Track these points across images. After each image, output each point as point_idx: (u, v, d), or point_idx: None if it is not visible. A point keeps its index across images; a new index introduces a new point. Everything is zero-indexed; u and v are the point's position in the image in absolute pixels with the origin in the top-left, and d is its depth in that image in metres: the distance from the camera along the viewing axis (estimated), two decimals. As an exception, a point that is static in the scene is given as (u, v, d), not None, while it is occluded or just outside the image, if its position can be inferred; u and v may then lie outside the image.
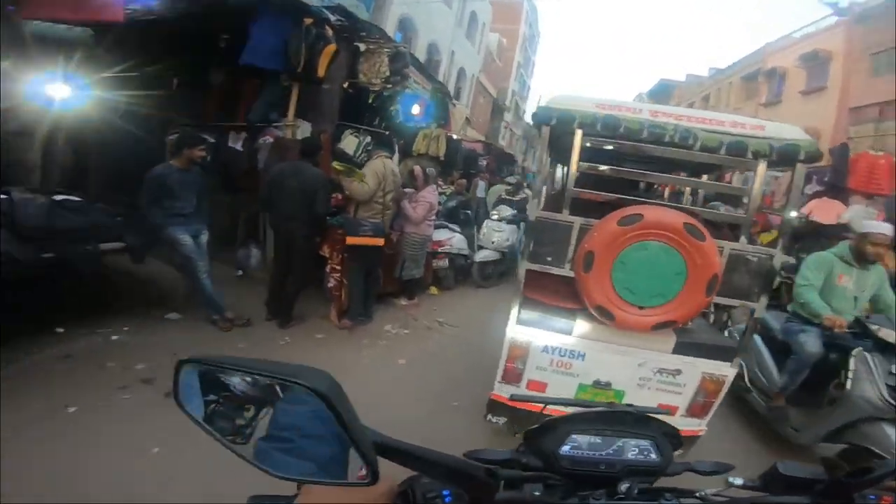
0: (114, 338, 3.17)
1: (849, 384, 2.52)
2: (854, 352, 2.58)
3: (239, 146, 4.61)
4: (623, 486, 0.72)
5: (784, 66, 16.29)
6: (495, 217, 6.28)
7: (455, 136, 8.84)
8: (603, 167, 2.42)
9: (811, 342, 2.73)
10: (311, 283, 4.10)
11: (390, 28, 11.34)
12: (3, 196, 2.85)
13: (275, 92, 4.35)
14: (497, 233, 6.04)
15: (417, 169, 4.54)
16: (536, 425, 0.82)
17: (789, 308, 3.15)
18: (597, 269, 2.04)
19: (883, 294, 2.89)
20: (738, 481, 0.75)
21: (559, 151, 3.03)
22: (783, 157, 2.01)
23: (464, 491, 0.61)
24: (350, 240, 3.70)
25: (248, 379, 0.53)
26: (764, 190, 10.09)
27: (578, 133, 2.14)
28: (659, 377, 2.24)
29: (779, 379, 2.93)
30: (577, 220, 2.19)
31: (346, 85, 5.29)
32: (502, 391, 2.36)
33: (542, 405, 1.10)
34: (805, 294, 2.84)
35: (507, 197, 7.05)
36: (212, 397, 0.54)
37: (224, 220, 5.37)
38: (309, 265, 3.89)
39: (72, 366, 2.79)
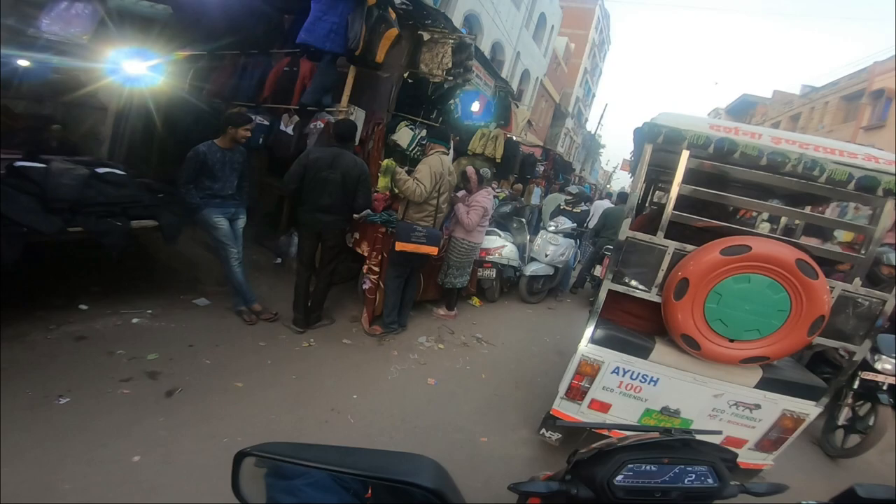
0: (134, 321, 3.00)
1: None
2: None
3: (290, 130, 4.40)
4: None
5: (892, 87, 14.55)
6: (552, 228, 5.71)
7: (514, 139, 8.34)
8: (708, 191, 2.16)
9: None
10: (342, 281, 3.80)
11: (456, 23, 11.03)
12: (41, 165, 2.75)
13: (329, 75, 4.08)
14: (552, 245, 5.47)
15: (470, 169, 4.10)
16: (585, 452, 0.82)
17: None
18: (689, 297, 1.98)
19: None
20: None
21: (652, 170, 2.91)
22: None
23: None
24: (400, 245, 3.30)
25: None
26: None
27: (685, 154, 2.01)
28: (734, 410, 2.19)
29: None
30: (672, 244, 2.08)
31: (405, 74, 5.01)
32: (563, 408, 2.36)
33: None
34: None
35: (567, 208, 6.45)
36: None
37: (270, 204, 5.27)
38: (340, 264, 3.57)
39: (81, 349, 2.62)
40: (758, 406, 2.16)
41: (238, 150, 3.28)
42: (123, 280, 3.42)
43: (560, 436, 2.40)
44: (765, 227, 3.68)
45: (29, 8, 4.08)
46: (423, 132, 5.24)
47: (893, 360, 3.09)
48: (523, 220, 5.87)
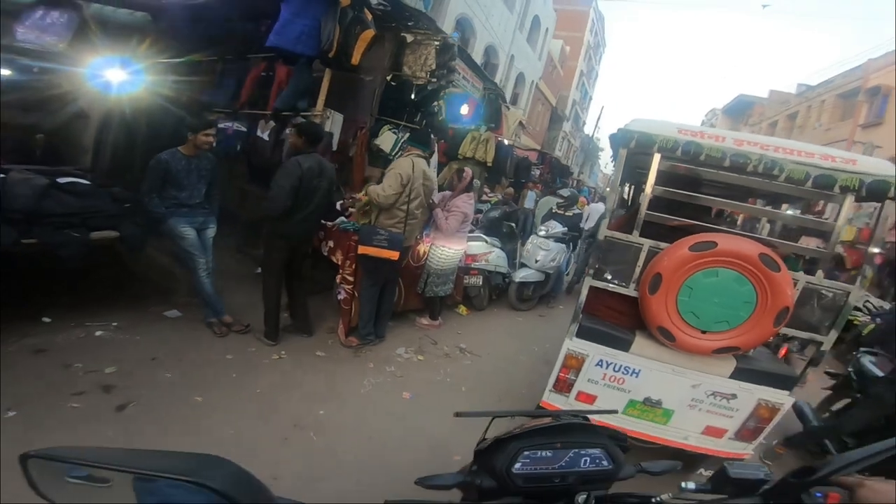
0: (98, 333, 2.89)
1: None
2: None
3: (266, 136, 4.30)
4: (581, 498, 0.76)
5: (889, 84, 14.53)
6: (542, 233, 5.51)
7: (506, 142, 8.23)
8: (678, 191, 2.26)
9: None
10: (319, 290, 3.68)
11: (447, 27, 10.99)
12: (-1, 175, 2.65)
13: (304, 79, 3.98)
14: (542, 251, 5.29)
15: (468, 171, 3.95)
16: (485, 442, 0.83)
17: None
18: (663, 291, 2.10)
19: None
20: (691, 485, 0.78)
21: (630, 172, 3.00)
22: (873, 193, 1.95)
23: None
24: (362, 249, 3.20)
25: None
26: (867, 223, 8.71)
27: (657, 157, 2.12)
28: (711, 399, 2.27)
29: None
30: (647, 243, 2.21)
31: (389, 77, 4.91)
32: (552, 399, 2.47)
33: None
34: None
35: (558, 211, 6.23)
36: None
37: (252, 212, 5.16)
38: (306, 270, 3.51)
39: (38, 362, 2.51)
40: (734, 396, 2.25)
41: (206, 157, 3.17)
42: (95, 291, 3.31)
43: None
44: (765, 228, 3.62)
45: (4, 18, 4.03)
46: (407, 135, 5.13)
47: None
48: (513, 224, 5.70)
